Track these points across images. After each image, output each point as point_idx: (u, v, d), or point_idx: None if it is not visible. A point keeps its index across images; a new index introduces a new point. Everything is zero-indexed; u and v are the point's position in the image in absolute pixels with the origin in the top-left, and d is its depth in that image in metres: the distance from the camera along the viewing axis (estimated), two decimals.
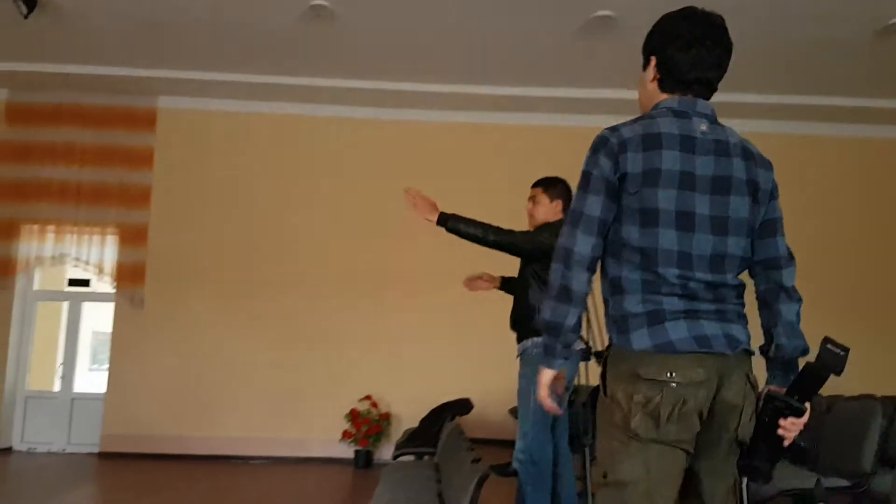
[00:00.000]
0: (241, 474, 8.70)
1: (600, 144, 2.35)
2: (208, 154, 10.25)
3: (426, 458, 6.82)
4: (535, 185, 5.00)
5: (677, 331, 2.22)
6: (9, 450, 9.79)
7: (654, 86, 2.46)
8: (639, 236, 2.28)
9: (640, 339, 2.24)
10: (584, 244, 2.31)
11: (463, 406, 7.48)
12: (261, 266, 10.06)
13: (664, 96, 2.43)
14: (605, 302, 2.41)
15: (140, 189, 10.04)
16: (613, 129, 2.37)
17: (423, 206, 4.48)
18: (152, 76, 9.54)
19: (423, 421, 7.54)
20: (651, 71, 2.47)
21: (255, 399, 9.77)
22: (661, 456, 2.22)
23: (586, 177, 2.35)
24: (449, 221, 4.48)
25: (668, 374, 2.18)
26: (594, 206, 2.31)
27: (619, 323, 2.32)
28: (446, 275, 9.58)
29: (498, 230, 4.52)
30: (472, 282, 5.35)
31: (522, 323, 4.73)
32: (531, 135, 10.15)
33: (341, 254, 10.06)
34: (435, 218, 4.46)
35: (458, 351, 9.66)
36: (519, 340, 4.78)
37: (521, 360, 4.74)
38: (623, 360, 2.29)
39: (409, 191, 4.50)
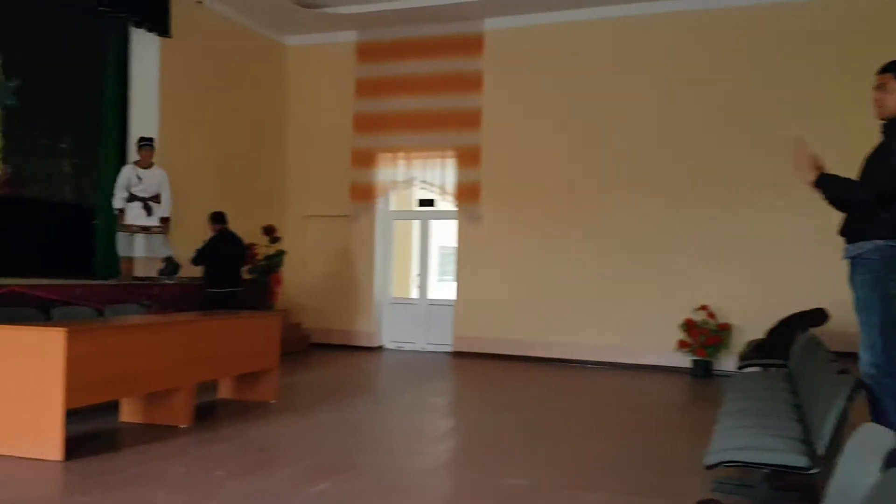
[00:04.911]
0: (578, 377, 9.14)
1: None
2: (532, 69, 10.48)
3: (773, 369, 6.46)
4: (883, 71, 4.15)
5: None
6: (380, 347, 11.46)
7: None
8: None
9: None
10: None
11: (817, 316, 6.88)
12: (590, 176, 10.17)
13: None
14: None
15: (472, 112, 10.71)
16: None
17: (804, 165, 4.17)
18: None
19: (770, 332, 7.14)
20: None
21: (588, 306, 10.08)
22: None
23: None
24: (828, 189, 4.16)
25: None
26: None
27: None
28: (790, 177, 8.81)
29: (863, 186, 4.06)
30: (802, 152, 4.68)
31: (863, 221, 4.10)
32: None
33: (674, 161, 9.72)
34: (813, 179, 4.15)
35: (805, 259, 8.86)
36: (852, 241, 4.17)
37: (855, 264, 4.16)
38: None
39: (798, 143, 4.22)
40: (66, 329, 4.67)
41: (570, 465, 4.97)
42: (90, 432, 5.41)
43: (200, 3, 9.74)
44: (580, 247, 10.17)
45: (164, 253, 8.52)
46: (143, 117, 9.21)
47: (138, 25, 8.94)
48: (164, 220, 8.49)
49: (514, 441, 5.66)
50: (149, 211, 8.40)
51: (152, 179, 8.47)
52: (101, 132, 8.99)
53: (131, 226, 8.38)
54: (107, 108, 9.03)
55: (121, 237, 8.41)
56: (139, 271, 8.53)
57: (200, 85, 9.93)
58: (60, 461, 4.57)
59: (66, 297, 6.86)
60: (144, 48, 9.22)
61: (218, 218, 8.51)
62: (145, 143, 8.55)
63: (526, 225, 10.49)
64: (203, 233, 8.61)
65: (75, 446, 4.78)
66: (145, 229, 8.39)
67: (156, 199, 8.45)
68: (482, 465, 4.92)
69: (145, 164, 8.47)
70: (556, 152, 10.36)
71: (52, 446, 4.60)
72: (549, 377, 9.10)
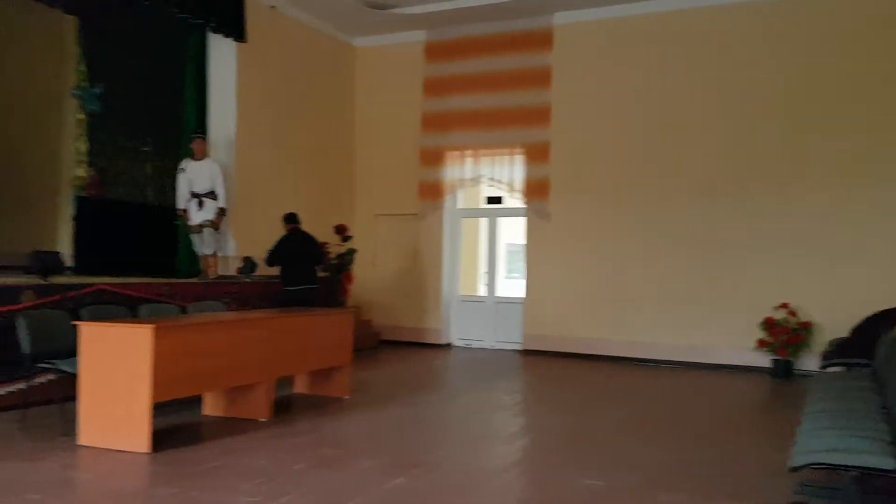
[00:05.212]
0: (653, 376, 8.97)
1: None
2: (602, 64, 10.35)
3: (857, 369, 6.21)
4: None
5: None
6: (448, 345, 11.51)
7: None
8: None
9: None
10: None
11: None
12: (664, 171, 9.97)
13: None
14: None
15: (541, 108, 10.63)
16: None
17: None
18: None
19: (855, 330, 6.86)
20: None
21: (661, 304, 9.89)
22: None
23: None
24: None
25: None
26: None
27: None
28: (874, 169, 8.46)
29: None
30: None
31: None
32: None
33: (746, 153, 9.45)
34: None
35: (891, 255, 8.48)
36: None
37: None
38: None
39: None
40: (153, 326, 4.86)
41: (646, 466, 4.89)
42: (175, 425, 5.62)
43: (274, 7, 9.99)
44: (654, 243, 9.99)
45: (210, 250, 8.54)
46: (221, 120, 9.50)
47: (216, 31, 9.22)
48: (221, 213, 8.51)
49: (587, 441, 5.60)
50: (200, 206, 8.47)
51: (202, 172, 8.47)
52: (182, 135, 9.28)
53: (194, 225, 8.53)
54: (186, 111, 9.32)
55: (193, 237, 8.63)
56: (223, 269, 8.77)
57: (274, 87, 10.19)
58: (147, 453, 4.76)
59: (152, 294, 7.15)
60: (222, 53, 9.51)
61: (289, 218, 8.63)
62: (196, 136, 8.64)
63: (596, 221, 10.36)
64: (277, 233, 8.80)
65: (161, 439, 4.97)
66: (201, 226, 8.50)
67: (210, 195, 8.47)
68: (555, 465, 4.89)
69: (199, 156, 8.52)
70: (627, 147, 10.20)
71: (139, 439, 4.79)
72: (623, 377, 8.97)
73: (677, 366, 9.62)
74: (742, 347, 9.23)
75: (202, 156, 8.56)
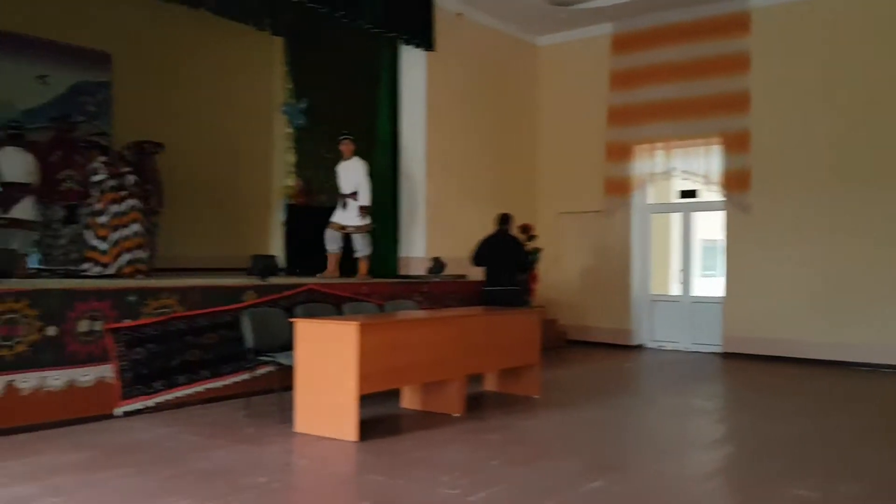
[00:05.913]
0: (871, 381, 8.14)
1: None
2: (806, 46, 9.57)
3: None
4: None
5: None
6: (640, 346, 11.15)
7: None
8: None
9: None
10: None
11: None
12: (875, 157, 9.04)
13: None
14: None
15: (739, 95, 10.02)
16: None
17: None
18: None
19: None
20: None
21: (878, 302, 8.97)
22: None
23: None
24: None
25: None
26: None
27: None
28: None
29: None
30: None
31: None
32: None
33: None
34: None
35: None
36: None
37: None
38: None
39: None
40: (358, 323, 5.18)
41: (868, 476, 4.46)
42: (378, 416, 5.94)
43: (460, 14, 10.26)
44: (867, 235, 9.09)
45: (361, 253, 8.58)
46: (412, 127, 9.91)
47: (407, 43, 9.65)
48: (363, 212, 8.46)
49: (797, 450, 5.19)
50: (344, 206, 8.49)
51: (348, 173, 8.52)
52: (376, 144, 9.78)
53: (333, 223, 8.54)
54: (379, 121, 9.83)
55: (326, 232, 8.61)
56: (414, 269, 9.12)
57: (460, 91, 10.45)
58: (355, 442, 5.08)
59: (353, 293, 7.62)
60: (412, 63, 9.92)
61: (498, 219, 8.63)
62: (343, 137, 8.63)
63: (803, 212, 9.58)
64: (467, 234, 9.00)
65: (366, 428, 5.28)
66: (342, 228, 8.50)
67: (354, 195, 8.44)
68: (764, 474, 4.58)
69: (346, 157, 8.59)
70: (835, 132, 9.35)
71: (348, 428, 5.13)
72: (836, 381, 8.22)
73: None
74: None
75: (350, 156, 8.60)
